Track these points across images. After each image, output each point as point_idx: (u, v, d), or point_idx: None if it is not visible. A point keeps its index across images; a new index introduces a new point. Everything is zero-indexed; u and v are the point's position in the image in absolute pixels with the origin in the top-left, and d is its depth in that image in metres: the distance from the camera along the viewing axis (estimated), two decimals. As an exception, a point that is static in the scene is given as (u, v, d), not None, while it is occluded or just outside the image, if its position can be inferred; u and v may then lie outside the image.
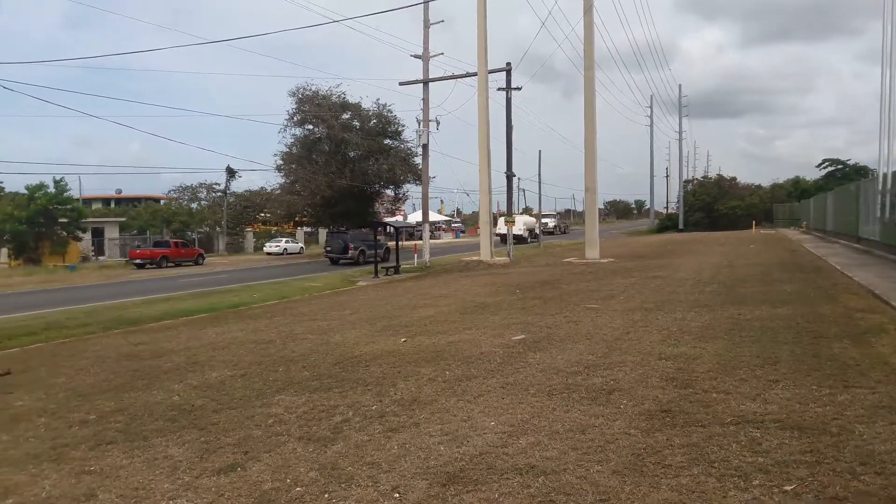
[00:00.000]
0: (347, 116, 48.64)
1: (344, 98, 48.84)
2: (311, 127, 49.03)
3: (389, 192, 55.10)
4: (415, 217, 61.25)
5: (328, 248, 40.83)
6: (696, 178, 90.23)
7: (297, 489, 4.78)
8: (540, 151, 55.33)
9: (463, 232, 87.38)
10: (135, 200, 77.86)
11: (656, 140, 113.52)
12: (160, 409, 7.26)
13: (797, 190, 71.60)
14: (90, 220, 50.90)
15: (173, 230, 54.61)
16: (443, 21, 33.20)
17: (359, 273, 30.36)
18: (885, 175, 20.89)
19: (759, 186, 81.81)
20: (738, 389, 6.61)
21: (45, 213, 41.89)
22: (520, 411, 6.31)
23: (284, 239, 58.42)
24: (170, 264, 42.27)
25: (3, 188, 49.98)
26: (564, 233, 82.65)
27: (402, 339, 10.79)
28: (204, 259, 46.03)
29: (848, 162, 67.96)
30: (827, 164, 70.15)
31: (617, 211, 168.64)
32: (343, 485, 4.80)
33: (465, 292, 18.07)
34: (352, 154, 48.39)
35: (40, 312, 18.73)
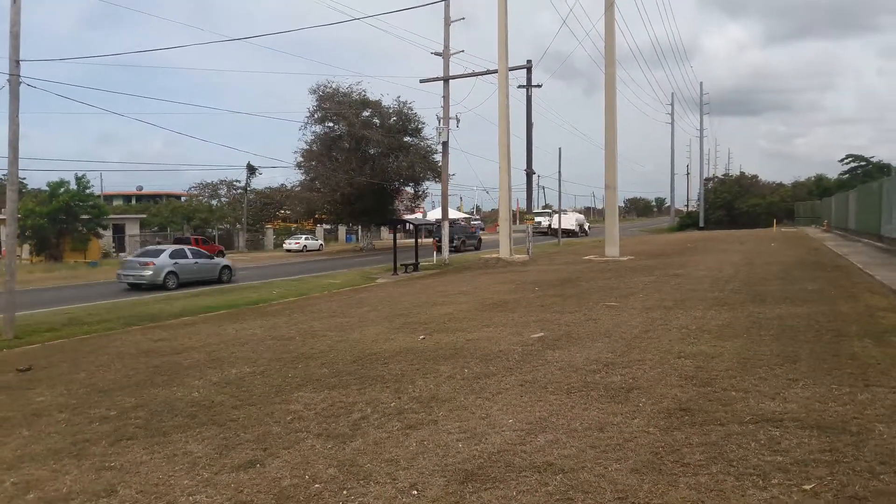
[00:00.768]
0: (368, 114, 48.75)
1: (364, 95, 48.99)
2: (331, 124, 49.24)
3: (409, 189, 55.23)
4: (434, 214, 61.27)
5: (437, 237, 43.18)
6: (717, 176, 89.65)
7: (316, 486, 4.81)
8: (560, 149, 55.25)
9: (482, 229, 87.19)
10: (156, 197, 78.67)
11: (677, 138, 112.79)
12: (180, 405, 7.33)
13: (819, 188, 70.66)
14: (111, 216, 51.28)
15: (194, 227, 55.05)
16: (464, 19, 33.40)
17: (378, 270, 30.44)
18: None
19: (780, 184, 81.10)
20: (758, 388, 6.56)
21: (66, 209, 42.24)
22: (538, 409, 6.31)
23: (304, 236, 58.66)
24: (190, 261, 42.38)
25: (27, 185, 50.60)
26: (586, 234, 78.57)
27: (421, 337, 10.81)
28: (224, 256, 46.30)
29: (871, 159, 66.99)
30: (850, 160, 69.14)
31: (637, 209, 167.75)
32: (361, 481, 4.82)
33: (484, 290, 18.06)
34: (372, 151, 48.53)
35: (62, 308, 18.96)
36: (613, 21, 30.17)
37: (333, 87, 48.62)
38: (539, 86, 34.35)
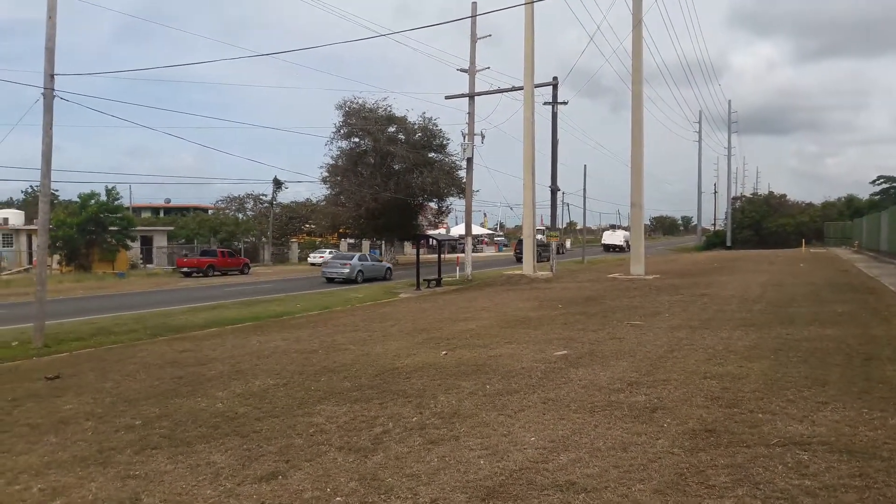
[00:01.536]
0: (393, 129, 49.09)
1: (390, 111, 49.39)
2: (357, 140, 49.67)
3: (433, 204, 55.39)
4: (457, 230, 61.33)
5: (518, 251, 47.86)
6: (745, 195, 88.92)
7: (338, 499, 4.81)
8: (585, 166, 55.06)
9: (506, 245, 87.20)
10: (183, 210, 79.51)
11: (704, 156, 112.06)
12: (204, 415, 7.37)
13: (850, 208, 69.68)
14: (139, 228, 51.93)
15: (220, 240, 55.53)
16: (490, 35, 33.27)
17: (401, 285, 30.50)
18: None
19: (809, 204, 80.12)
20: (785, 410, 6.46)
21: (95, 220, 42.90)
22: (561, 427, 6.26)
23: (329, 250, 58.91)
24: (216, 273, 42.89)
25: (59, 196, 51.46)
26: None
27: (443, 352, 10.79)
28: (249, 269, 46.66)
29: (904, 180, 66.02)
30: (882, 181, 68.18)
31: (663, 227, 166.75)
32: (383, 496, 4.81)
33: (507, 306, 18.01)
34: (397, 167, 48.84)
35: (90, 318, 19.20)
36: (641, 38, 30.13)
37: (360, 102, 49.14)
38: (565, 103, 34.34)
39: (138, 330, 16.09)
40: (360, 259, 37.40)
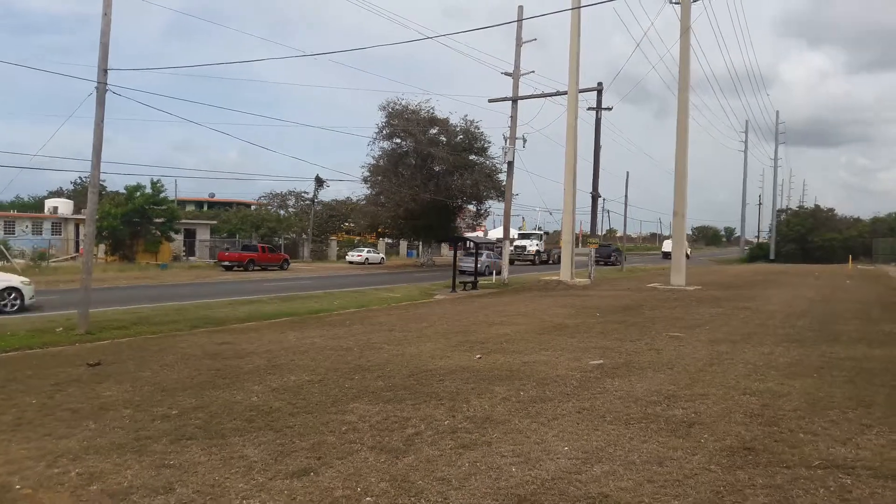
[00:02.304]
0: (435, 131, 49.19)
1: (432, 113, 49.50)
2: (398, 141, 49.88)
3: (471, 207, 55.34)
4: (495, 233, 61.16)
5: (598, 255, 48.31)
6: (791, 208, 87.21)
7: (368, 499, 4.80)
8: (628, 173, 54.92)
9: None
10: (226, 205, 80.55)
11: (750, 167, 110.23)
12: (239, 408, 7.43)
13: (902, 225, 67.95)
14: (183, 221, 52.76)
15: (261, 235, 56.18)
16: (535, 40, 33.29)
17: (437, 286, 30.51)
18: None
19: (857, 219, 78.27)
20: (828, 431, 6.29)
21: (141, 212, 43.76)
22: (595, 438, 6.18)
23: (367, 249, 59.34)
24: (256, 268, 43.43)
25: (106, 188, 52.57)
26: (688, 257, 77.40)
27: (478, 356, 10.74)
28: (289, 264, 47.12)
29: (959, 197, 64.09)
30: (935, 198, 66.31)
31: (705, 237, 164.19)
32: (412, 498, 4.79)
33: (543, 312, 17.89)
34: (437, 168, 48.94)
35: (132, 308, 19.54)
36: (689, 46, 29.74)
37: (402, 104, 49.34)
38: (609, 108, 34.05)
39: (178, 321, 16.32)
40: (487, 256, 42.44)
